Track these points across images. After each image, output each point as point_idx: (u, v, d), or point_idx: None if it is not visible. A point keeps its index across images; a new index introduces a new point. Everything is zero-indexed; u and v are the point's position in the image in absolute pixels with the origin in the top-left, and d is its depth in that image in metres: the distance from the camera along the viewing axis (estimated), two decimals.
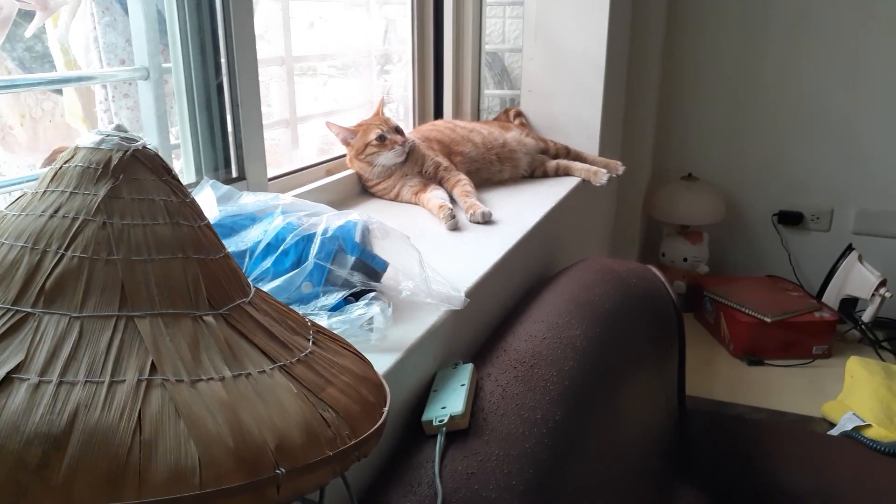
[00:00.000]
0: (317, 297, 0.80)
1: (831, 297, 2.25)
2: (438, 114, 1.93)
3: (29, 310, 0.43)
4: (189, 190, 0.54)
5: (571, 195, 1.58)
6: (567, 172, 1.69)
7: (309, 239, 0.84)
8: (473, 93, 2.02)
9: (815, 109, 2.44)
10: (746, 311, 2.15)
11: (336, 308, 0.80)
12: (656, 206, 2.53)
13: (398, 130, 1.43)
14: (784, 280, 2.41)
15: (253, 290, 0.55)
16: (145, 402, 0.41)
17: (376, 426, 0.51)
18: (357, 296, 0.83)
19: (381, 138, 1.39)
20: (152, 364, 0.43)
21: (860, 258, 2.22)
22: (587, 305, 1.13)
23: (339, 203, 1.38)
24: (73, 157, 0.50)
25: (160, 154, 0.52)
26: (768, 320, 2.09)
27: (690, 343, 1.43)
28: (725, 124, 2.56)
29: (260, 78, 1.16)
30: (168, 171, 0.52)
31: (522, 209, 1.39)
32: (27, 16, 1.15)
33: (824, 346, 2.12)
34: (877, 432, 1.56)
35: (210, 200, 0.90)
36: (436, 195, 1.36)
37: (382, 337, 0.78)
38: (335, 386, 0.51)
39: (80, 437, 0.38)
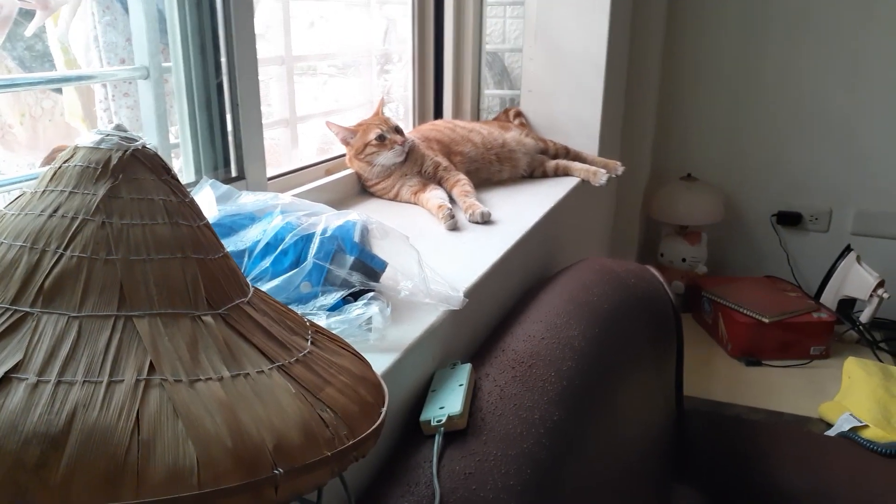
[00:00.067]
0: (315, 296, 0.81)
1: (829, 298, 2.25)
2: (438, 114, 1.93)
3: (27, 309, 0.43)
4: (188, 189, 0.54)
5: (571, 195, 1.58)
6: (566, 172, 1.69)
7: (308, 239, 0.84)
8: (473, 93, 2.02)
9: (814, 110, 2.44)
10: (745, 311, 2.15)
11: (335, 308, 0.80)
12: (655, 206, 2.54)
13: (398, 130, 1.43)
14: (782, 281, 2.41)
15: (252, 289, 0.55)
16: (144, 401, 0.41)
17: (374, 426, 0.51)
18: (356, 296, 0.83)
19: (381, 138, 1.40)
20: (151, 364, 0.43)
21: (858, 259, 2.22)
22: (586, 306, 1.14)
23: (339, 203, 1.38)
24: (72, 156, 0.50)
25: (160, 153, 0.52)
26: (766, 321, 2.09)
27: (689, 343, 1.43)
28: (725, 125, 2.56)
29: (260, 77, 1.16)
30: (167, 170, 0.52)
31: (522, 209, 1.39)
32: (27, 15, 1.15)
33: (822, 347, 2.12)
34: (874, 433, 1.56)
35: (209, 200, 0.90)
36: (435, 195, 1.36)
37: (381, 337, 0.78)
38: (333, 386, 0.52)
39: (78, 436, 0.38)
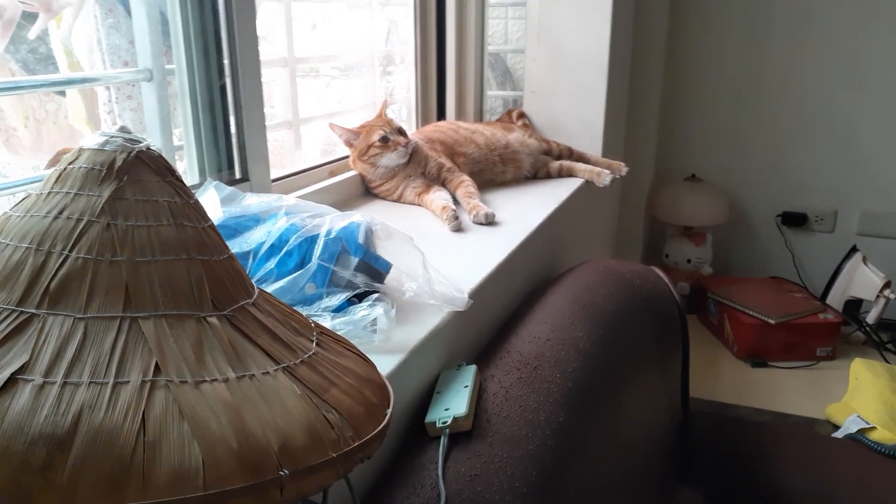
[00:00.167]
0: (320, 298, 0.80)
1: (835, 299, 2.25)
2: (441, 115, 1.93)
3: (33, 311, 0.43)
4: (193, 191, 0.54)
5: (574, 196, 1.58)
6: (570, 173, 1.69)
7: (312, 240, 0.84)
8: (476, 94, 2.02)
9: (818, 110, 2.44)
10: (750, 312, 2.14)
11: (339, 309, 0.80)
12: (660, 207, 2.53)
13: (401, 132, 1.43)
14: (788, 281, 2.41)
15: (257, 291, 0.55)
16: (149, 403, 0.41)
17: (380, 428, 0.51)
18: (360, 297, 0.83)
19: (384, 139, 1.40)
20: (156, 365, 0.43)
21: (864, 259, 2.22)
22: (591, 307, 1.13)
23: (343, 204, 1.38)
24: (77, 158, 0.50)
25: (164, 155, 0.52)
26: (772, 322, 2.08)
27: (694, 345, 1.42)
28: (729, 125, 2.55)
29: (263, 79, 1.16)
30: (172, 172, 0.52)
31: (525, 210, 1.39)
32: (31, 17, 1.16)
33: (828, 348, 2.11)
34: (881, 434, 1.55)
35: (214, 202, 0.90)
36: (439, 196, 1.36)
37: (386, 338, 0.78)
38: (339, 387, 0.51)
39: (84, 438, 0.38)
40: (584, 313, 1.10)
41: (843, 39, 2.35)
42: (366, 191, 1.47)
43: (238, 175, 1.15)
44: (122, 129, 0.52)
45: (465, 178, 1.44)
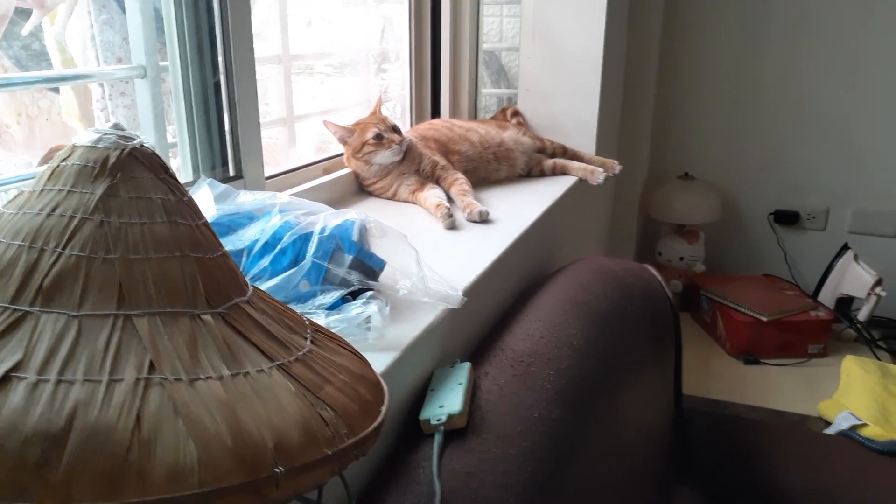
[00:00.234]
0: (314, 295, 0.80)
1: (827, 297, 2.26)
2: (436, 112, 1.93)
3: (27, 308, 0.43)
4: (186, 189, 0.54)
5: (568, 194, 1.58)
6: (564, 171, 1.69)
7: (306, 238, 0.84)
8: (470, 92, 2.02)
9: (812, 109, 2.44)
10: (743, 310, 2.15)
11: (334, 307, 0.80)
12: (653, 205, 2.54)
13: (395, 129, 1.42)
14: (780, 279, 2.42)
15: (251, 288, 0.55)
16: (144, 400, 0.41)
17: (374, 425, 0.51)
18: (354, 294, 0.83)
19: (379, 137, 1.39)
20: (150, 363, 0.43)
21: (856, 257, 2.23)
22: (584, 304, 1.13)
23: (337, 202, 1.38)
24: (70, 155, 0.49)
25: (157, 152, 0.52)
26: (765, 319, 2.09)
27: (687, 342, 1.43)
28: (722, 124, 2.56)
29: (257, 76, 1.15)
30: (165, 169, 0.52)
31: (519, 208, 1.39)
32: (24, 14, 1.15)
33: (820, 346, 2.12)
34: (872, 431, 1.56)
35: (207, 199, 0.90)
36: (433, 194, 1.36)
37: (380, 336, 0.78)
38: (333, 385, 0.51)
39: (78, 435, 0.38)
40: (578, 311, 1.11)
41: (838, 39, 2.36)
42: (360, 188, 1.47)
43: (232, 172, 1.15)
44: (116, 126, 0.52)
45: (460, 175, 1.44)
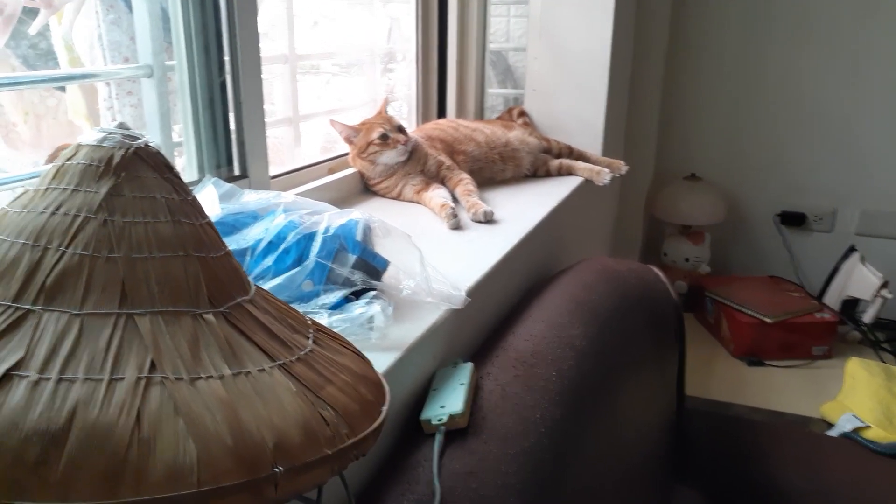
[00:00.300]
0: (317, 295, 0.81)
1: (833, 298, 2.25)
2: (442, 112, 1.93)
3: (29, 307, 0.43)
4: (191, 188, 0.54)
5: (574, 195, 1.58)
6: (570, 172, 1.69)
7: (310, 237, 0.84)
8: (477, 91, 2.02)
9: (817, 110, 2.44)
10: (747, 311, 2.15)
11: (336, 306, 0.80)
12: (658, 205, 2.53)
13: (401, 129, 1.43)
14: (786, 281, 2.41)
15: (254, 288, 0.55)
16: (144, 399, 0.41)
17: (375, 425, 0.51)
18: (358, 294, 0.83)
19: (384, 137, 1.40)
20: (152, 362, 0.43)
21: (862, 259, 2.22)
22: (588, 305, 1.13)
23: (341, 201, 1.38)
24: (75, 154, 0.50)
25: (162, 152, 0.52)
26: (769, 321, 2.09)
27: (691, 343, 1.43)
28: (728, 125, 2.55)
29: (263, 76, 1.16)
30: (170, 168, 0.52)
31: (524, 208, 1.39)
32: (32, 13, 1.16)
33: (825, 347, 2.11)
34: (876, 433, 1.55)
35: (212, 198, 0.91)
36: (438, 194, 1.36)
37: (382, 336, 0.78)
38: (334, 385, 0.52)
39: (78, 434, 0.38)
40: (581, 311, 1.11)
41: (842, 39, 2.35)
42: (365, 188, 1.47)
43: (237, 172, 1.15)
44: (121, 126, 0.52)
45: (465, 176, 1.44)
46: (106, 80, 1.28)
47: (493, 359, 0.95)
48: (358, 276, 0.83)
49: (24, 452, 0.37)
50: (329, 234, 0.84)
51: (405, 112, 1.90)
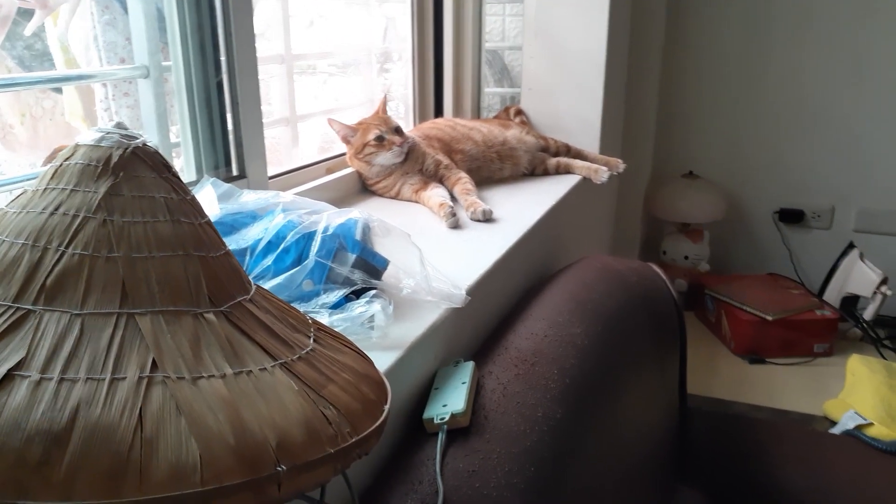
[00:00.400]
0: (317, 294, 0.80)
1: (832, 296, 2.25)
2: (439, 112, 1.93)
3: (30, 307, 0.43)
4: (190, 188, 0.54)
5: (572, 193, 1.58)
6: (568, 170, 1.69)
7: (310, 237, 0.84)
8: (474, 91, 2.02)
9: (816, 107, 2.44)
10: (748, 309, 2.15)
11: (337, 306, 0.80)
12: (657, 204, 2.53)
13: (398, 130, 1.42)
14: (785, 278, 2.41)
15: (254, 287, 0.55)
16: (146, 399, 0.41)
17: (377, 424, 0.51)
18: (358, 293, 0.82)
19: (380, 139, 1.39)
20: (153, 361, 0.43)
21: (861, 256, 2.22)
22: (588, 304, 1.13)
23: (340, 201, 1.38)
24: (73, 154, 0.49)
25: (160, 151, 0.52)
26: (769, 318, 2.09)
27: (691, 341, 1.42)
28: (726, 122, 2.55)
29: (260, 76, 1.15)
30: (168, 168, 0.52)
31: (523, 207, 1.39)
32: (27, 14, 1.15)
33: (825, 345, 2.12)
34: (878, 431, 1.55)
35: (211, 198, 0.90)
36: (436, 193, 1.36)
37: (383, 335, 0.78)
38: (336, 383, 0.51)
39: (81, 434, 0.38)
40: (582, 310, 1.10)
41: (842, 37, 2.35)
42: (363, 188, 1.47)
43: (235, 172, 1.15)
44: (119, 125, 0.52)
45: (463, 174, 1.43)
46: (102, 81, 1.28)
47: (495, 357, 0.95)
48: (358, 276, 0.83)
49: (27, 452, 0.36)
50: (328, 233, 0.84)
51: (402, 111, 1.90)
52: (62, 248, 0.45)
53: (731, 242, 2.62)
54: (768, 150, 2.52)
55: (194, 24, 1.07)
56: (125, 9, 1.13)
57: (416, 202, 1.39)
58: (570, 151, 1.78)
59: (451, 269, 0.96)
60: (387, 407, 0.54)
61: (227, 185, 0.94)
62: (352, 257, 0.84)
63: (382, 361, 0.73)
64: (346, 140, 1.44)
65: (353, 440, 0.48)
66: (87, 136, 0.50)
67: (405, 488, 0.72)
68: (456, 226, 1.25)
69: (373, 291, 0.83)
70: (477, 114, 2.05)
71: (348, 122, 1.43)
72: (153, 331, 0.44)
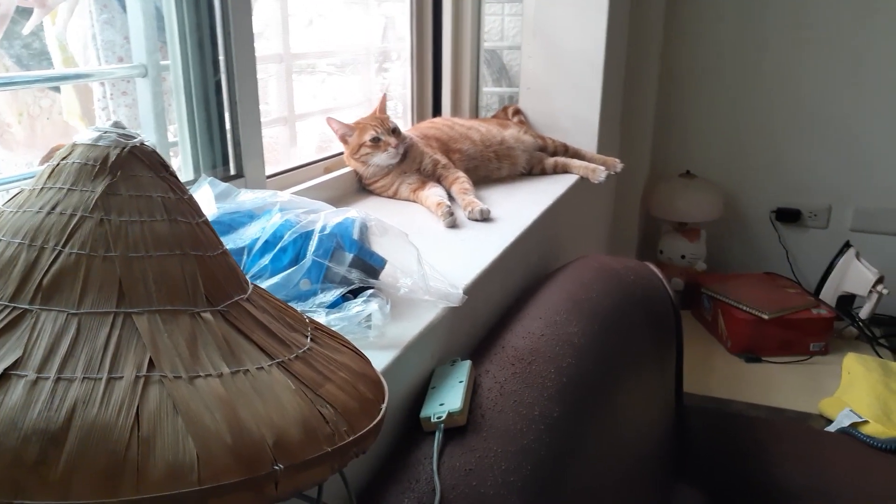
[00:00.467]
0: (315, 294, 0.80)
1: (829, 294, 2.25)
2: (437, 111, 1.93)
3: (26, 306, 0.43)
4: (187, 187, 0.54)
5: (569, 192, 1.58)
6: (565, 170, 1.69)
7: (307, 236, 0.84)
8: (472, 90, 2.02)
9: (813, 107, 2.44)
10: (744, 308, 2.15)
11: (334, 305, 0.80)
12: (654, 203, 2.54)
13: (395, 131, 1.41)
14: (782, 277, 2.41)
15: (251, 286, 0.55)
16: (143, 398, 0.41)
17: (374, 423, 0.51)
18: (355, 293, 0.83)
19: (376, 140, 1.39)
20: (150, 361, 0.43)
21: (857, 255, 2.22)
22: (585, 303, 1.13)
23: (338, 200, 1.38)
24: (70, 153, 0.49)
25: (157, 151, 0.52)
26: (766, 317, 2.09)
27: (688, 340, 1.43)
28: (724, 122, 2.56)
29: (258, 75, 1.15)
30: (166, 167, 0.52)
31: (520, 206, 1.39)
32: (25, 13, 1.15)
33: (822, 343, 2.12)
34: (874, 428, 1.56)
35: (208, 198, 0.90)
36: (434, 193, 1.36)
37: (380, 334, 0.78)
38: (333, 382, 0.51)
39: (77, 433, 0.38)
40: (579, 309, 1.11)
41: (839, 37, 2.36)
42: (361, 187, 1.47)
43: (233, 171, 1.15)
44: (116, 125, 0.52)
45: (461, 174, 1.44)
46: (100, 79, 1.28)
47: (492, 356, 0.95)
48: (355, 275, 0.83)
49: (24, 452, 0.36)
50: (326, 232, 0.84)
51: (400, 111, 1.90)
52: (59, 248, 0.45)
53: (727, 241, 2.62)
54: (765, 150, 2.53)
55: (193, 23, 1.07)
56: (124, 8, 1.13)
57: (414, 201, 1.39)
58: (567, 151, 1.78)
59: (449, 268, 0.96)
60: (384, 406, 0.54)
61: (224, 185, 0.94)
62: (349, 256, 0.84)
63: (379, 360, 0.73)
64: (343, 139, 1.44)
65: (351, 439, 0.48)
66: (85, 135, 0.50)
67: (402, 487, 0.72)
68: (453, 225, 1.25)
69: (370, 291, 0.83)
70: (475, 113, 2.05)
71: (346, 122, 1.43)
72: (150, 330, 0.44)
